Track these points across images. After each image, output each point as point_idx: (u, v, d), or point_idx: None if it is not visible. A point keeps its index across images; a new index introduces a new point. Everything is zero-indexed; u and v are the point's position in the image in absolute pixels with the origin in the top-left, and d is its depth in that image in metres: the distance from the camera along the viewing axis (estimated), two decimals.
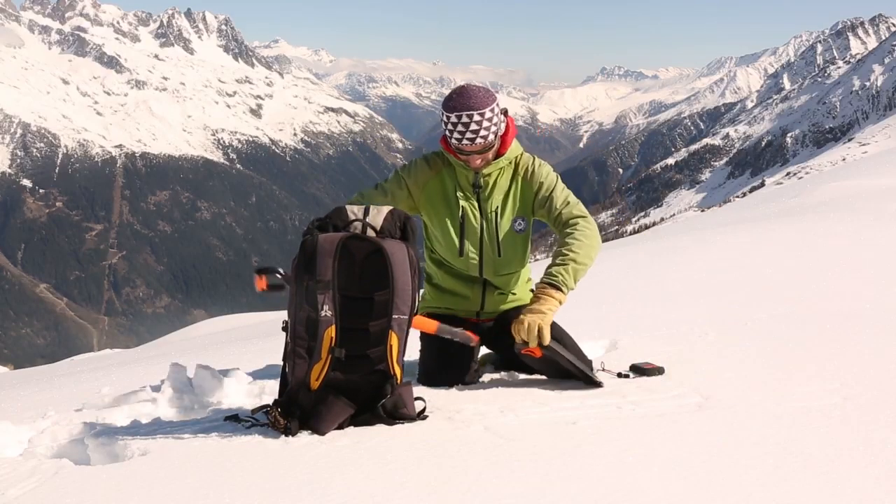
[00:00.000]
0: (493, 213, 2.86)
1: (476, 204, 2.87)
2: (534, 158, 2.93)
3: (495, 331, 2.98)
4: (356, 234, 2.31)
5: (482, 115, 2.69)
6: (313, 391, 2.28)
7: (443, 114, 2.77)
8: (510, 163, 2.90)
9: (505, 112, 2.84)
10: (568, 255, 2.70)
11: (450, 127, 2.73)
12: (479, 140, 2.72)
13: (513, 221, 2.89)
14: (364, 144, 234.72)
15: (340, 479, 1.82)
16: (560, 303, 2.64)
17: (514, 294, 3.01)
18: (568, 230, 2.79)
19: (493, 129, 2.74)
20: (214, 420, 2.47)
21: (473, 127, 2.70)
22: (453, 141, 2.76)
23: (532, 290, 2.54)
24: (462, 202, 2.86)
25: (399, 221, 2.38)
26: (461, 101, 2.71)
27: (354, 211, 2.39)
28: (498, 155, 2.85)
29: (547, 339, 2.56)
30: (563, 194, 2.88)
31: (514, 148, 2.91)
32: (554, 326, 2.92)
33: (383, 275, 2.27)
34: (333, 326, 2.26)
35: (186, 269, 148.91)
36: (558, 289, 2.64)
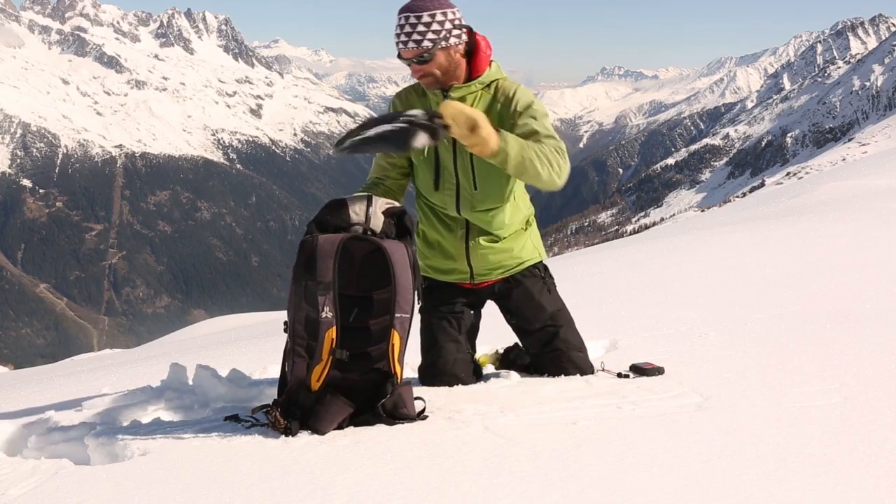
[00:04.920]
0: None
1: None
2: (517, 85, 2.63)
3: (509, 299, 2.84)
4: (356, 235, 2.31)
5: (419, 17, 2.46)
6: (314, 392, 2.28)
7: None
8: (486, 87, 2.63)
9: (468, 30, 2.58)
10: (534, 145, 2.40)
11: (395, 31, 2.52)
12: (411, 44, 2.47)
13: None
14: None
15: (340, 480, 1.82)
16: (488, 142, 2.29)
17: (501, 243, 2.76)
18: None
19: (431, 36, 2.47)
20: (214, 420, 2.47)
21: (408, 29, 2.47)
22: (398, 48, 2.53)
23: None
24: None
25: (395, 219, 2.38)
26: (407, 2, 2.50)
27: (357, 211, 2.38)
28: (470, 78, 2.60)
29: (460, 120, 2.27)
30: (535, 113, 2.55)
31: (493, 72, 2.64)
32: (563, 315, 2.87)
33: (383, 274, 2.27)
34: (334, 328, 2.26)
35: (186, 269, 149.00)
36: (501, 139, 2.34)
